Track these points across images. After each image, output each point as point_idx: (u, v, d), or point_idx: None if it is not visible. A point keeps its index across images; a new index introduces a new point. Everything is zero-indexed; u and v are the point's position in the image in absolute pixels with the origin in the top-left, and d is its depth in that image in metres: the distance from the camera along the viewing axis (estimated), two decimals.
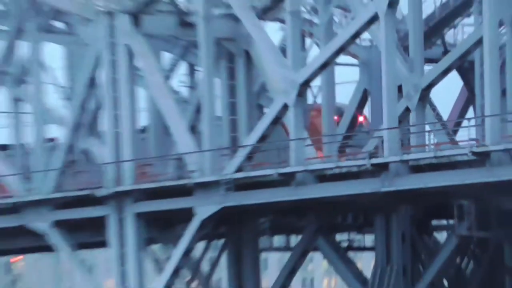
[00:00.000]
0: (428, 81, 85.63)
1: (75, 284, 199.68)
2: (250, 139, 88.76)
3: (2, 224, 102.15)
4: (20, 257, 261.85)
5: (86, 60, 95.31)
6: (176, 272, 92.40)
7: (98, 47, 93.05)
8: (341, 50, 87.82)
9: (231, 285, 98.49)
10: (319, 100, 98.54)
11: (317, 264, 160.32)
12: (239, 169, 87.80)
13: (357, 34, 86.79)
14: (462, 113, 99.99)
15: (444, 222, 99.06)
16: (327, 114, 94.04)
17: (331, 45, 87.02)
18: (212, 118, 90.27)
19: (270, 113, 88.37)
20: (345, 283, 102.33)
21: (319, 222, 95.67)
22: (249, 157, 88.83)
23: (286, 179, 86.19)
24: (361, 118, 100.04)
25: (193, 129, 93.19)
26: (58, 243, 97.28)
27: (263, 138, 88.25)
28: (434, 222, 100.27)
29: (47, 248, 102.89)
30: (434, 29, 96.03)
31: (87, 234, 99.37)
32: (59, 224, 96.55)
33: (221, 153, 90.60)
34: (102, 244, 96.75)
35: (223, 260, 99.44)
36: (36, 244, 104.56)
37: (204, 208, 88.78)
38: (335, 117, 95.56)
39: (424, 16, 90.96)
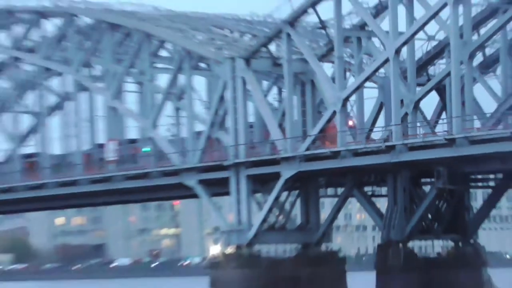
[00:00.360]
0: (418, 97, 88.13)
1: (210, 217, 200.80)
2: (314, 131, 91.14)
3: (189, 181, 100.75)
4: (178, 201, 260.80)
5: (218, 86, 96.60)
6: (270, 210, 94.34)
7: (225, 78, 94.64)
8: (367, 79, 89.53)
9: (302, 218, 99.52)
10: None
11: (353, 205, 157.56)
12: (307, 149, 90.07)
13: (376, 70, 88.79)
14: (439, 115, 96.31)
15: (428, 180, 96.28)
16: (358, 118, 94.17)
17: (361, 76, 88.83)
18: (292, 120, 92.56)
19: (325, 116, 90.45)
20: (370, 217, 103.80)
21: (354, 180, 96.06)
22: (313, 142, 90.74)
23: (335, 155, 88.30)
24: (350, 122, 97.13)
25: (280, 126, 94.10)
26: (201, 193, 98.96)
27: (321, 131, 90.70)
28: (423, 180, 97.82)
29: (194, 196, 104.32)
30: (422, 66, 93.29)
31: (218, 187, 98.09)
32: (202, 182, 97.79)
33: (297, 139, 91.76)
34: (226, 193, 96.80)
35: (298, 203, 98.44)
36: (188, 193, 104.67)
37: (287, 172, 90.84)
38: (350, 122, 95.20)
39: (416, 58, 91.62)
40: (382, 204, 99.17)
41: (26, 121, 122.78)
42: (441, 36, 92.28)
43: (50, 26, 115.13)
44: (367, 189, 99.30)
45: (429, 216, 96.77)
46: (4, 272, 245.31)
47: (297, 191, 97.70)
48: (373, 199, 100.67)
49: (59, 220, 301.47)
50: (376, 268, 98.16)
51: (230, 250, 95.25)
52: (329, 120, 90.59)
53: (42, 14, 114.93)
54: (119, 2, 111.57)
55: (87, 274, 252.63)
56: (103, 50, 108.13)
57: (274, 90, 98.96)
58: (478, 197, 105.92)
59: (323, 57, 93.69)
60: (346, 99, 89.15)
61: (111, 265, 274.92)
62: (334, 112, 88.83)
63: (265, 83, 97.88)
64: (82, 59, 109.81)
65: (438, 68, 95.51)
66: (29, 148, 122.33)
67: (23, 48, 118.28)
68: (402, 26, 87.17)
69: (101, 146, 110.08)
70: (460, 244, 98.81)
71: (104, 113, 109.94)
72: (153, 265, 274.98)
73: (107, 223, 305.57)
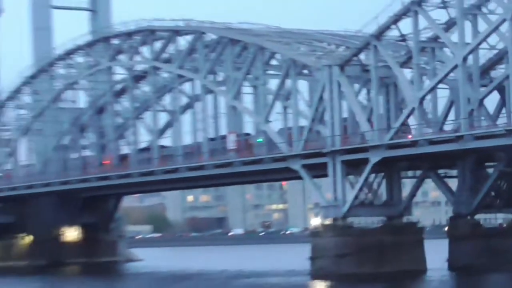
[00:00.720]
0: (482, 95, 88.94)
1: (312, 195, 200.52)
2: (396, 124, 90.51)
3: (294, 165, 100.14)
4: (285, 182, 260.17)
5: (318, 88, 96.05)
6: (360, 189, 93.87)
7: (323, 81, 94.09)
8: (440, 81, 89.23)
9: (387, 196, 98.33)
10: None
11: (429, 185, 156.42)
12: (390, 138, 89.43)
13: (447, 74, 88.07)
14: (499, 110, 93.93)
15: (491, 163, 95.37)
16: (433, 113, 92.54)
17: (435, 79, 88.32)
18: (378, 115, 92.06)
19: (405, 112, 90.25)
20: (443, 194, 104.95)
21: (430, 164, 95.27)
22: (395, 133, 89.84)
23: (413, 143, 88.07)
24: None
25: (369, 120, 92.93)
26: (304, 175, 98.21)
27: (402, 124, 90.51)
28: (486, 164, 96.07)
29: (299, 177, 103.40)
30: (485, 70, 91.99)
31: (318, 171, 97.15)
32: (304, 166, 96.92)
33: (382, 131, 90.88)
34: (325, 175, 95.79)
35: (383, 183, 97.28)
36: (293, 175, 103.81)
37: (374, 157, 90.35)
38: None
39: (480, 64, 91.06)
40: (453, 183, 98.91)
41: (163, 118, 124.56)
42: (500, 45, 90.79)
43: (183, 41, 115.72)
44: (441, 171, 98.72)
45: (492, 193, 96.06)
46: (144, 240, 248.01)
47: (382, 173, 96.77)
48: (446, 179, 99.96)
49: (189, 197, 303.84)
50: (448, 236, 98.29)
51: (328, 222, 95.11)
52: (409, 115, 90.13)
53: (177, 32, 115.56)
54: (238, 21, 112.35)
55: (210, 242, 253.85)
56: (225, 60, 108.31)
57: (364, 91, 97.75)
58: None
59: (403, 64, 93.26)
60: (423, 98, 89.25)
61: (229, 234, 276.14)
62: (413, 109, 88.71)
63: (356, 86, 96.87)
64: (208, 68, 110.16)
65: (498, 72, 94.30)
66: (165, 140, 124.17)
67: (161, 59, 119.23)
68: (468, 38, 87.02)
69: (223, 137, 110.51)
70: None
71: (225, 111, 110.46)
72: (261, 234, 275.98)
73: (228, 200, 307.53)
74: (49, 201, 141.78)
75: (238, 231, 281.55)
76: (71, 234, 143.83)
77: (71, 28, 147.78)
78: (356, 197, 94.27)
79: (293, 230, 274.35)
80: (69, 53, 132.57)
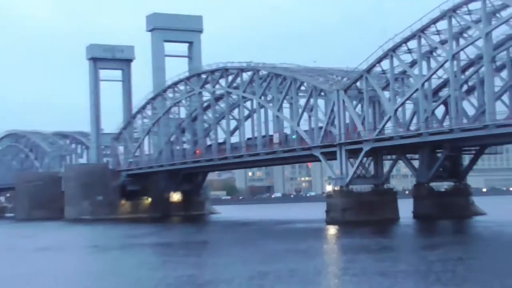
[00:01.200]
0: None
1: (327, 171, 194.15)
2: (380, 126, 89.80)
3: (316, 152, 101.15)
4: (310, 163, 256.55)
5: (330, 104, 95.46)
6: (357, 167, 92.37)
7: (334, 100, 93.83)
8: (407, 99, 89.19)
9: (373, 171, 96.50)
10: None
11: (400, 164, 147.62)
12: (376, 135, 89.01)
13: (411, 95, 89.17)
14: None
15: (440, 150, 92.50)
16: (403, 119, 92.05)
17: (403, 98, 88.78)
18: (368, 121, 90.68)
19: (385, 119, 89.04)
20: (409, 170, 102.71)
21: (401, 151, 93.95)
22: (380, 131, 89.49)
23: (390, 138, 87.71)
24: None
25: (362, 123, 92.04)
26: (322, 159, 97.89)
27: (382, 127, 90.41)
28: (437, 150, 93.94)
29: (318, 160, 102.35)
30: None
31: (330, 156, 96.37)
32: (322, 153, 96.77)
33: (370, 130, 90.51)
34: (335, 158, 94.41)
35: (371, 163, 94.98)
36: (315, 159, 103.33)
37: (366, 147, 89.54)
38: None
39: None
40: (416, 163, 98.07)
41: (233, 124, 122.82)
42: (445, 76, 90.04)
43: (246, 75, 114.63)
44: (408, 155, 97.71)
45: (441, 169, 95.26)
46: (220, 200, 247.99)
47: (371, 157, 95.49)
48: (411, 160, 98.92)
49: (250, 173, 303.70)
50: (413, 197, 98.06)
51: (337, 188, 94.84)
52: (387, 121, 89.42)
53: (242, 69, 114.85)
54: (280, 62, 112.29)
55: (261, 201, 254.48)
56: (272, 87, 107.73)
57: (359, 106, 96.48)
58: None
59: (384, 88, 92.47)
60: (396, 110, 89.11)
61: (272, 196, 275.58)
62: (390, 117, 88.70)
63: (354, 102, 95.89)
64: (261, 92, 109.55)
65: (444, 93, 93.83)
66: (235, 137, 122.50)
67: (232, 87, 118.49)
68: (424, 71, 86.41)
69: (271, 136, 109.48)
70: (457, 184, 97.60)
71: (272, 119, 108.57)
72: (292, 196, 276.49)
73: (274, 174, 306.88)
74: (162, 176, 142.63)
75: (278, 194, 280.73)
76: (176, 196, 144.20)
77: (176, 68, 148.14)
78: (354, 172, 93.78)
79: (311, 194, 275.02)
80: (175, 83, 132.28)
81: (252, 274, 38.69)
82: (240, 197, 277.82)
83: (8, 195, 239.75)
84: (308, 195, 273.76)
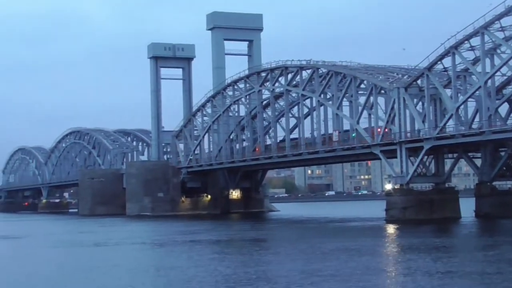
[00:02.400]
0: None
1: (386, 169, 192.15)
2: (441, 124, 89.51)
3: (375, 150, 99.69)
4: (370, 162, 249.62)
5: (390, 102, 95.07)
6: (417, 165, 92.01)
7: (394, 97, 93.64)
8: (469, 97, 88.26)
9: (434, 169, 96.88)
10: None
11: (462, 162, 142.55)
12: (437, 133, 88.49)
13: (473, 93, 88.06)
14: None
15: (503, 149, 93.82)
16: (465, 117, 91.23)
17: (466, 96, 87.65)
18: (429, 119, 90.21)
19: (447, 117, 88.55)
20: (472, 168, 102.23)
21: (463, 149, 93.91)
22: (441, 130, 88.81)
23: (451, 136, 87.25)
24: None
25: (423, 121, 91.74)
26: (382, 157, 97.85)
27: (443, 125, 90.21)
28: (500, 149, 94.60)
29: (378, 158, 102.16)
30: None
31: (390, 154, 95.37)
32: (382, 151, 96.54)
33: (432, 128, 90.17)
34: (395, 157, 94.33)
35: (432, 162, 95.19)
36: (375, 157, 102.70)
37: (427, 145, 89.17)
38: None
39: None
40: (478, 162, 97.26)
41: (292, 122, 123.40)
42: (509, 73, 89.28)
43: (305, 73, 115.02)
44: (470, 154, 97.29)
45: (504, 168, 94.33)
46: (279, 198, 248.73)
47: (432, 155, 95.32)
48: (473, 159, 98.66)
49: (309, 171, 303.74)
50: (475, 196, 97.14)
51: (397, 186, 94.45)
52: (448, 119, 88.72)
53: (301, 67, 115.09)
54: (340, 60, 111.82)
55: (320, 199, 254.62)
56: (331, 85, 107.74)
57: (420, 104, 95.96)
58: None
59: (445, 86, 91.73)
60: (458, 107, 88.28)
61: (326, 194, 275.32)
62: (452, 115, 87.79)
63: (415, 100, 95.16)
64: (321, 90, 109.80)
65: (508, 90, 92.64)
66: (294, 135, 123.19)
67: (291, 85, 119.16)
68: (487, 69, 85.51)
69: (330, 134, 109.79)
70: None
71: (331, 117, 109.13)
72: (344, 194, 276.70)
73: (333, 172, 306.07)
74: (221, 173, 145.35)
75: (331, 193, 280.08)
76: (235, 194, 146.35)
77: (236, 66, 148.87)
78: (415, 171, 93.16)
79: (363, 192, 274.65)
80: (235, 82, 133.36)
81: (307, 272, 39.01)
82: (299, 195, 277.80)
83: (71, 191, 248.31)
84: (360, 193, 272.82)
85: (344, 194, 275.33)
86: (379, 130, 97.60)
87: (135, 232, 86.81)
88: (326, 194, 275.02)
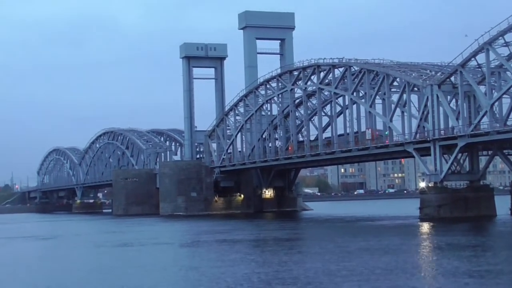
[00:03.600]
0: None
1: (420, 167, 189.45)
2: (475, 121, 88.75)
3: (409, 148, 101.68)
4: (403, 159, 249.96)
5: (423, 99, 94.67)
6: (452, 163, 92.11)
7: (427, 95, 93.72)
8: (503, 93, 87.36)
9: (469, 167, 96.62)
10: None
11: (497, 160, 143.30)
12: (471, 131, 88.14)
13: (508, 89, 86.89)
14: None
15: None
16: (499, 114, 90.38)
17: (500, 92, 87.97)
18: (463, 116, 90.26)
19: (481, 114, 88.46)
20: (507, 166, 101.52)
21: (497, 146, 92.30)
22: (475, 127, 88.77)
23: (486, 133, 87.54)
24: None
25: (457, 118, 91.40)
26: (415, 155, 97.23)
27: (477, 123, 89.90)
28: None
29: (412, 156, 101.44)
30: None
31: (424, 151, 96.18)
32: (415, 149, 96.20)
33: (465, 125, 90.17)
34: (428, 154, 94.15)
35: (467, 159, 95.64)
36: (408, 155, 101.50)
37: (461, 142, 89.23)
38: None
39: None
40: None
41: (325, 120, 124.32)
42: None
43: (337, 71, 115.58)
44: (505, 151, 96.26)
45: None
46: (312, 197, 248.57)
47: (466, 153, 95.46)
48: (509, 156, 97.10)
49: (342, 169, 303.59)
50: (510, 193, 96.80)
51: (431, 184, 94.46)
52: (482, 116, 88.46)
53: (334, 66, 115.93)
54: (372, 58, 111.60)
55: (354, 197, 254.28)
56: (364, 83, 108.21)
57: (453, 101, 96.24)
58: None
59: (479, 83, 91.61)
60: (493, 104, 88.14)
61: (355, 193, 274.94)
62: (486, 111, 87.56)
63: (448, 97, 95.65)
64: (354, 88, 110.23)
65: None
66: (327, 133, 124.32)
67: (324, 83, 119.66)
68: None
69: (363, 132, 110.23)
70: None
71: (364, 115, 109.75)
72: (374, 192, 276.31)
73: (366, 170, 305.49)
74: (254, 173, 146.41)
75: (360, 191, 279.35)
76: (268, 193, 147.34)
77: (268, 65, 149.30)
78: (449, 168, 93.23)
79: (390, 191, 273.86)
80: (267, 81, 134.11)
81: (339, 272, 39.34)
82: (332, 194, 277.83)
83: (105, 191, 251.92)
84: (387, 192, 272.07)
85: (374, 193, 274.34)
86: (377, 133, 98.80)
87: (167, 232, 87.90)
88: (355, 193, 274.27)
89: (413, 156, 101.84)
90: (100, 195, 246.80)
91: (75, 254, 60.27)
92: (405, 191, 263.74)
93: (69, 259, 55.60)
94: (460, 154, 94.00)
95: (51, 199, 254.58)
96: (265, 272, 40.55)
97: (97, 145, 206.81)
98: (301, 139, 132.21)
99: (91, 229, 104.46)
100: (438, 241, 58.07)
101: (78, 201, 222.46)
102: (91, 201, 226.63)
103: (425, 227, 79.89)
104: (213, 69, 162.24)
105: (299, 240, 68.56)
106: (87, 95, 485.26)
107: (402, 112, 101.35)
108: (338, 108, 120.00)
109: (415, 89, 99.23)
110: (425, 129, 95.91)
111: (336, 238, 65.08)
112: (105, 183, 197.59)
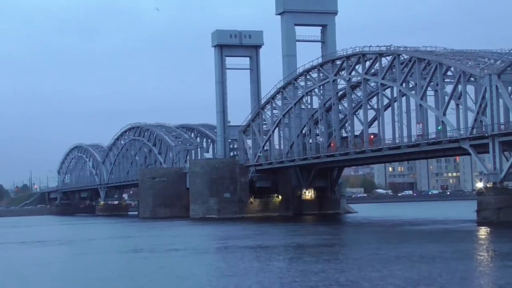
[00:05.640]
0: None
1: (477, 166, 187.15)
2: None
3: (464, 145, 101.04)
4: (458, 157, 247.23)
5: (481, 91, 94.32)
6: None
7: (485, 86, 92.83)
8: None
9: None
10: None
11: None
12: None
13: None
14: None
15: None
16: None
17: None
18: None
19: None
20: None
21: None
22: None
23: None
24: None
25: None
26: (471, 152, 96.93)
27: None
28: None
29: (468, 154, 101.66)
30: None
31: (481, 148, 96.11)
32: (472, 145, 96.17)
33: None
34: (487, 152, 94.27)
35: None
36: (464, 152, 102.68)
37: None
38: None
39: None
40: None
41: (371, 114, 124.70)
42: None
43: (385, 60, 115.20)
44: None
45: None
46: (357, 198, 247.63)
47: None
48: None
49: (390, 168, 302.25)
50: None
51: (489, 185, 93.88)
52: None
53: (381, 54, 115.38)
54: (423, 45, 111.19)
55: (400, 199, 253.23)
56: (414, 73, 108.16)
57: None
58: None
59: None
60: None
61: (398, 195, 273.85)
62: None
63: (509, 88, 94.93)
64: (403, 78, 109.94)
65: None
66: (373, 128, 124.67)
67: (369, 73, 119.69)
68: None
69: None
70: None
71: (415, 108, 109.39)
72: (429, 193, 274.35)
73: (417, 169, 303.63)
74: (293, 172, 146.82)
75: (408, 192, 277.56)
76: (308, 194, 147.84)
77: (308, 54, 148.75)
78: (510, 167, 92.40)
79: (434, 192, 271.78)
80: (307, 71, 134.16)
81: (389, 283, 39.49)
82: (378, 194, 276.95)
83: (131, 192, 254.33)
84: (430, 193, 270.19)
85: (415, 194, 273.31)
86: (371, 136, 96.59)
87: (196, 237, 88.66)
88: (399, 195, 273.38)
89: (469, 154, 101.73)
90: (125, 196, 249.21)
91: (82, 262, 61.08)
92: (459, 192, 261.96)
93: (75, 267, 56.65)
94: None
95: (72, 200, 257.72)
96: (321, 279, 40.82)
97: (122, 142, 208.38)
98: (344, 134, 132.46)
99: (114, 233, 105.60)
100: (496, 249, 57.57)
101: (102, 202, 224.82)
102: (116, 202, 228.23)
103: (483, 232, 79.41)
104: (248, 58, 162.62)
105: (352, 246, 68.17)
106: (107, 88, 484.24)
107: (457, 105, 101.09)
108: (386, 101, 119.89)
109: (472, 79, 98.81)
110: (483, 124, 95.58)
111: (394, 243, 64.77)
112: (130, 183, 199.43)
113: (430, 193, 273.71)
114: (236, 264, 51.84)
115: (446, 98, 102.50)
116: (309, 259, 53.85)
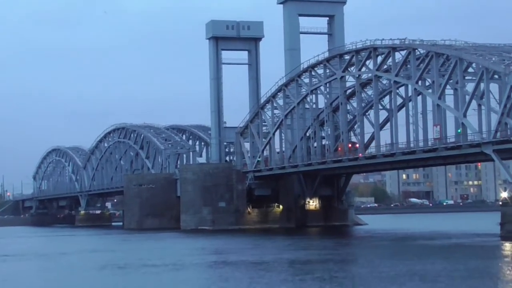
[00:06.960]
0: None
1: (501, 173, 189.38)
2: None
3: (487, 150, 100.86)
4: (480, 163, 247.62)
5: (506, 89, 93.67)
6: None
7: (509, 83, 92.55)
8: None
9: None
10: None
11: None
12: None
13: None
14: None
15: None
16: None
17: None
18: None
19: None
20: None
21: None
22: None
23: None
24: None
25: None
26: (495, 158, 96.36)
27: None
28: None
29: (491, 160, 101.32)
30: None
31: (506, 154, 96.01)
32: (495, 150, 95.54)
33: None
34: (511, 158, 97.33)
35: None
36: (486, 158, 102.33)
37: None
38: None
39: None
40: None
41: (383, 115, 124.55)
42: None
43: (398, 55, 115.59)
44: None
45: None
46: (367, 208, 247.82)
47: None
48: None
49: (404, 175, 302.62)
50: None
51: None
52: None
53: (394, 48, 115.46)
54: (441, 39, 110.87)
55: (415, 210, 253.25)
56: (431, 69, 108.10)
57: None
58: None
59: None
60: None
61: (406, 204, 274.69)
62: None
63: None
64: (418, 75, 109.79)
65: None
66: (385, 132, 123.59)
67: (381, 70, 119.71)
68: None
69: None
70: None
71: (432, 108, 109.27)
72: (444, 203, 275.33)
73: (433, 177, 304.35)
74: (296, 179, 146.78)
75: (416, 201, 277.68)
76: (313, 203, 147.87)
77: (314, 48, 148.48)
78: None
79: (448, 202, 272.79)
80: (312, 67, 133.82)
81: None
82: (392, 205, 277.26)
83: (115, 200, 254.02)
84: (444, 203, 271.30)
85: (423, 205, 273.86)
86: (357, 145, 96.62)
87: (185, 250, 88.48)
88: (405, 204, 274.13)
89: (492, 160, 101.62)
90: (108, 205, 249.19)
91: (44, 280, 60.51)
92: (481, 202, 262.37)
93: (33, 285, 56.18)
94: None
95: (49, 210, 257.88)
96: None
97: (106, 145, 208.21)
98: (353, 138, 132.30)
99: (93, 247, 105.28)
100: None
101: (82, 212, 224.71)
102: (98, 212, 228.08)
103: (508, 247, 79.26)
104: (246, 52, 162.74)
105: (360, 263, 68.03)
106: (88, 86, 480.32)
107: (479, 105, 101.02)
108: (399, 101, 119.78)
109: (496, 76, 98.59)
110: (508, 126, 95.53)
111: (408, 260, 64.57)
112: (115, 190, 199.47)
113: (444, 203, 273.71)
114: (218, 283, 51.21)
115: (467, 97, 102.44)
116: (300, 277, 53.60)
